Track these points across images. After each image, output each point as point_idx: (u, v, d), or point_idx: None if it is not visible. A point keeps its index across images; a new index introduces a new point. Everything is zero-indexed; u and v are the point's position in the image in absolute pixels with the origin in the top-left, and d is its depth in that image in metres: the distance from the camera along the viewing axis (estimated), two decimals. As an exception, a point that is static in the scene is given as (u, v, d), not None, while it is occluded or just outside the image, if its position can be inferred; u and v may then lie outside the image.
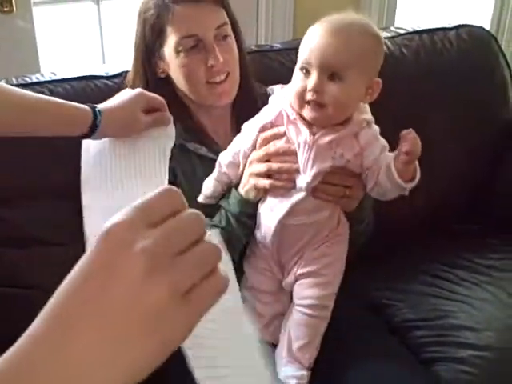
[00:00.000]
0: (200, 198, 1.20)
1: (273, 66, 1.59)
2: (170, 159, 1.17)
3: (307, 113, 1.07)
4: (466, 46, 1.81)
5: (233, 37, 1.25)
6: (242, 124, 1.20)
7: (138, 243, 0.40)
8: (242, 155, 1.17)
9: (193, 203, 1.18)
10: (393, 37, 1.78)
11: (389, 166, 1.05)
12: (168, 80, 1.27)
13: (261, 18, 2.09)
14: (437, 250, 1.67)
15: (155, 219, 0.41)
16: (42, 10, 1.84)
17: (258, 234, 1.17)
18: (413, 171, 1.06)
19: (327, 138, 1.07)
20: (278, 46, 1.67)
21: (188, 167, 1.24)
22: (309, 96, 1.06)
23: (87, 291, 0.39)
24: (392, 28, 1.86)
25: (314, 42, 1.07)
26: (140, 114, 1.15)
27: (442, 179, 1.73)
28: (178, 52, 1.20)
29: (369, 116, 1.12)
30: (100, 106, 1.10)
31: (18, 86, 1.33)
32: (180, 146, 1.22)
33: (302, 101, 1.07)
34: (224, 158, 1.19)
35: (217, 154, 1.22)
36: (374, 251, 1.43)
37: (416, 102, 1.70)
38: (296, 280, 1.16)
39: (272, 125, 1.14)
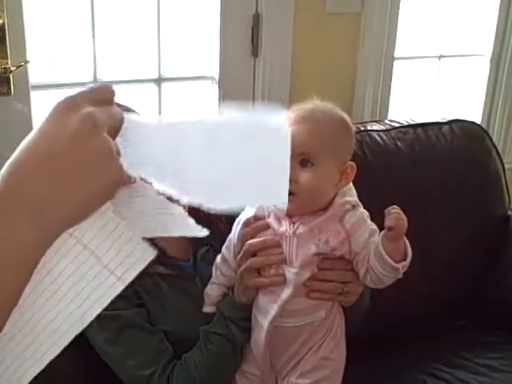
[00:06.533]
0: (204, 309, 1.16)
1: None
2: (133, 282, 1.07)
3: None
4: (460, 141, 1.83)
5: None
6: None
7: (83, 109, 0.49)
8: (232, 253, 1.13)
9: (162, 319, 1.16)
10: (387, 130, 1.79)
11: (377, 247, 1.01)
12: None
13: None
14: (433, 347, 1.63)
15: (94, 102, 0.50)
16: (40, 93, 1.85)
17: (252, 337, 1.12)
18: (403, 250, 1.01)
19: (307, 226, 1.04)
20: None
21: (151, 286, 1.17)
22: None
23: (41, 143, 0.49)
24: (386, 121, 1.88)
25: None
26: None
27: (434, 270, 1.71)
28: None
29: (353, 199, 1.07)
30: None
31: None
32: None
33: None
34: (218, 257, 1.16)
35: (176, 268, 1.19)
36: (371, 348, 1.38)
37: (410, 194, 1.69)
38: None
39: (255, 218, 1.10)
